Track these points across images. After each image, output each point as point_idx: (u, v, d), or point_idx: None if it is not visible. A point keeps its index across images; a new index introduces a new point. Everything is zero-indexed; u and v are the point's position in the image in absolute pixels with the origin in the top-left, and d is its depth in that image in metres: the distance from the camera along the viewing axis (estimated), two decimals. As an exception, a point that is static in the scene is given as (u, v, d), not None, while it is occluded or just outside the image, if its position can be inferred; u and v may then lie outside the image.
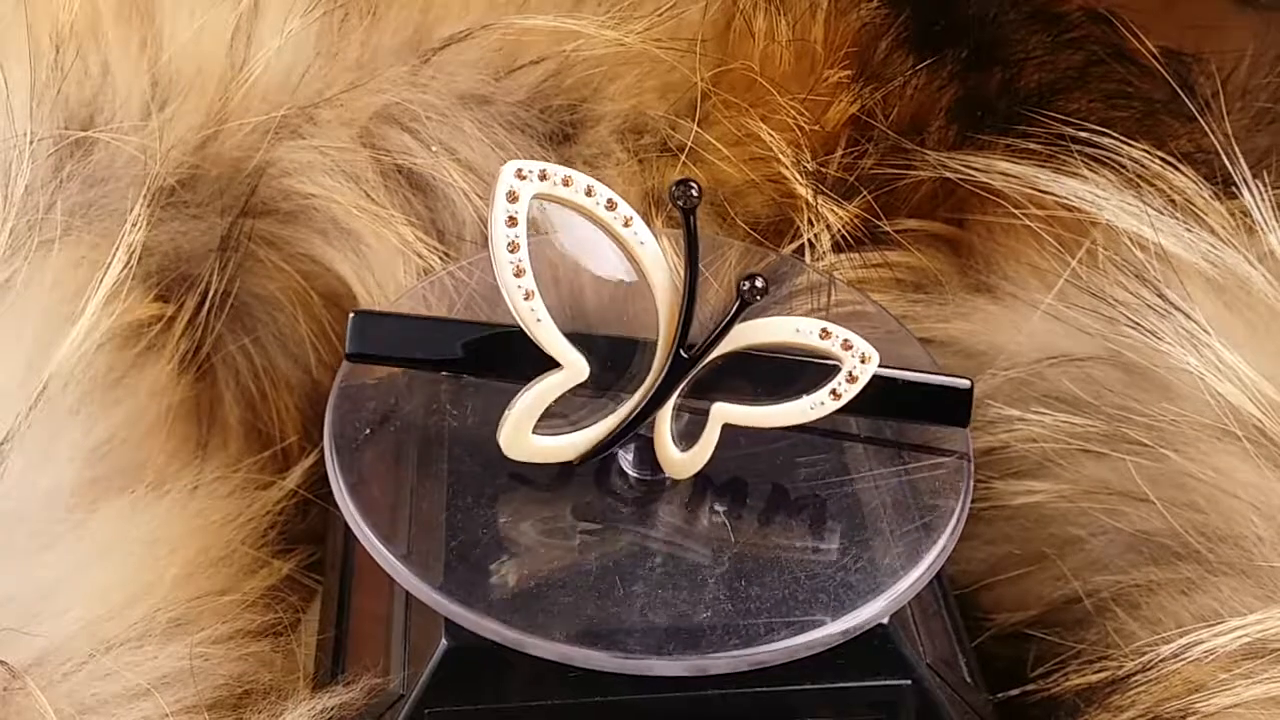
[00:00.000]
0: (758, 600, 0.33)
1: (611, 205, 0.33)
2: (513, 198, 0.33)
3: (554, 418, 0.35)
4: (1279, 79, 0.46)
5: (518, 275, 0.33)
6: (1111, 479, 0.39)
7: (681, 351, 0.34)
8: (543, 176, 0.33)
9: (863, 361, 0.34)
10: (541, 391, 0.34)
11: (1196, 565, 0.37)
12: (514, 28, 0.43)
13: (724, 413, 0.34)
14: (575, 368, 0.34)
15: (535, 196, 0.33)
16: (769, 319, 0.34)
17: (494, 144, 0.44)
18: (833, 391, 0.34)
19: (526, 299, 0.34)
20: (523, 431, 0.34)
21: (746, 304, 0.33)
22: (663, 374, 0.34)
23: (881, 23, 0.46)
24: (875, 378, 0.34)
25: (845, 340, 0.34)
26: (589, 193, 0.33)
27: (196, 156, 0.42)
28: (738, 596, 0.33)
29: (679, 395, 0.34)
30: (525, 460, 0.35)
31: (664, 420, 0.34)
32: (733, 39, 0.45)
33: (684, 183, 0.32)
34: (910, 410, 0.36)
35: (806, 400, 0.34)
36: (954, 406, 0.36)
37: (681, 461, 0.35)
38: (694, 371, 0.34)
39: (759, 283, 0.33)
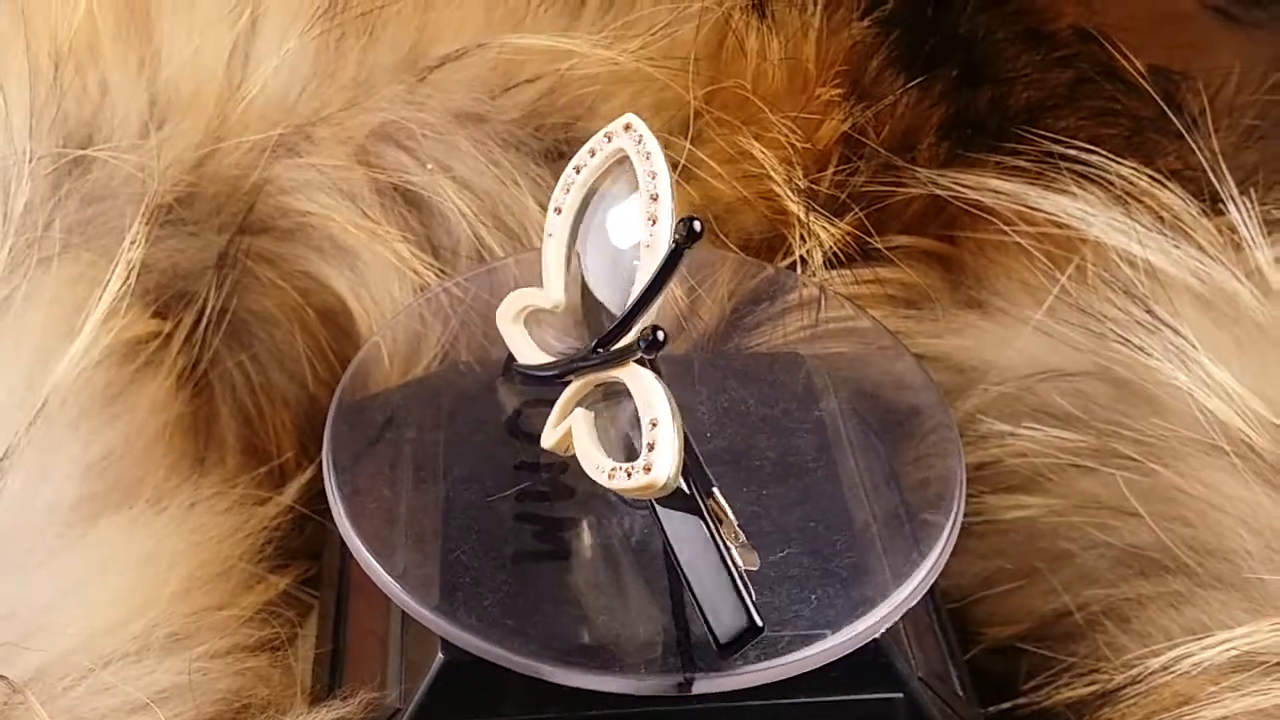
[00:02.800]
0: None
1: (655, 199, 0.34)
2: (608, 138, 0.35)
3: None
4: (1266, 96, 0.47)
5: (564, 190, 0.35)
6: (1101, 493, 0.40)
7: (596, 349, 0.34)
8: (639, 140, 0.34)
9: (645, 471, 0.31)
10: (521, 294, 0.36)
11: (1186, 579, 0.37)
12: (509, 47, 0.44)
13: (575, 419, 0.34)
14: (550, 292, 0.35)
15: (620, 151, 0.34)
16: (651, 378, 0.32)
17: (489, 161, 0.44)
18: (611, 470, 0.32)
19: (555, 211, 0.35)
20: (508, 315, 0.37)
21: (631, 353, 0.32)
22: (570, 358, 0.35)
23: (873, 41, 0.46)
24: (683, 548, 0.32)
25: (652, 443, 0.31)
26: (652, 176, 0.34)
27: (194, 174, 0.42)
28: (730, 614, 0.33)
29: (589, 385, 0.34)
30: (501, 332, 0.37)
31: (566, 395, 0.35)
32: (725, 58, 0.45)
33: (689, 220, 0.32)
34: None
35: (605, 461, 0.33)
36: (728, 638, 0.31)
37: (546, 436, 0.35)
38: (592, 371, 0.34)
39: (659, 336, 0.32)
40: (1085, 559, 0.40)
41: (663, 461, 0.31)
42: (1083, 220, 0.42)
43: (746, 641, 0.31)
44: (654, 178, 0.34)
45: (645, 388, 0.32)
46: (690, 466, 0.33)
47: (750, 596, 0.31)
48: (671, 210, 0.33)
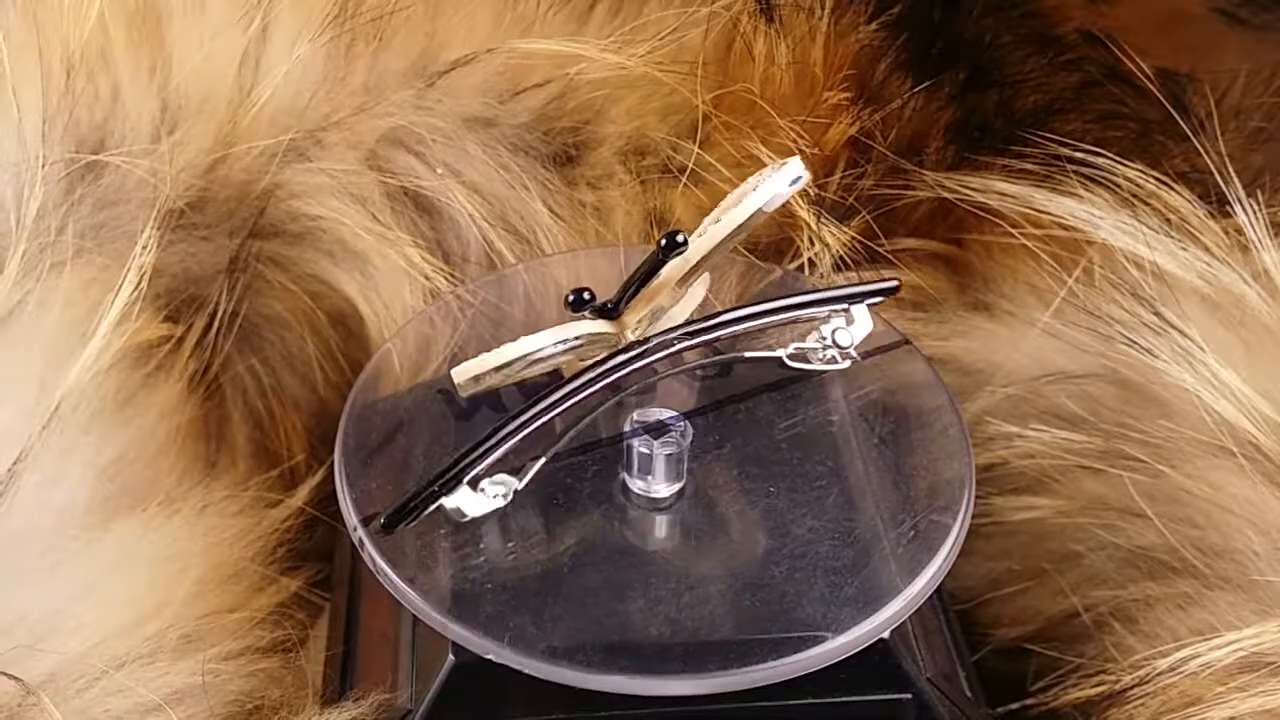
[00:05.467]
0: (759, 617, 0.33)
1: (716, 221, 0.36)
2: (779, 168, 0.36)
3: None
4: (1272, 98, 0.47)
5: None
6: (1109, 495, 0.40)
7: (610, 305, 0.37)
8: (770, 175, 0.36)
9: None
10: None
11: (1193, 580, 0.38)
12: (518, 51, 0.44)
13: None
14: (676, 260, 0.36)
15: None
16: (561, 331, 0.36)
17: (499, 166, 0.44)
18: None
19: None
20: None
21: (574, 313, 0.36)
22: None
23: (880, 45, 0.46)
24: None
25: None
26: (738, 199, 0.36)
27: (205, 179, 0.43)
28: (739, 614, 0.33)
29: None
30: None
31: None
32: (733, 62, 0.46)
33: (672, 232, 0.34)
34: None
35: None
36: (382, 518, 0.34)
37: None
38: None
39: (583, 296, 0.35)
40: (1093, 560, 0.40)
41: (463, 366, 0.36)
42: (1090, 222, 0.42)
43: (380, 527, 0.34)
44: (738, 201, 0.36)
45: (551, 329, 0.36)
46: (532, 430, 0.34)
47: (414, 509, 0.34)
48: (718, 240, 0.35)
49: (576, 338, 0.37)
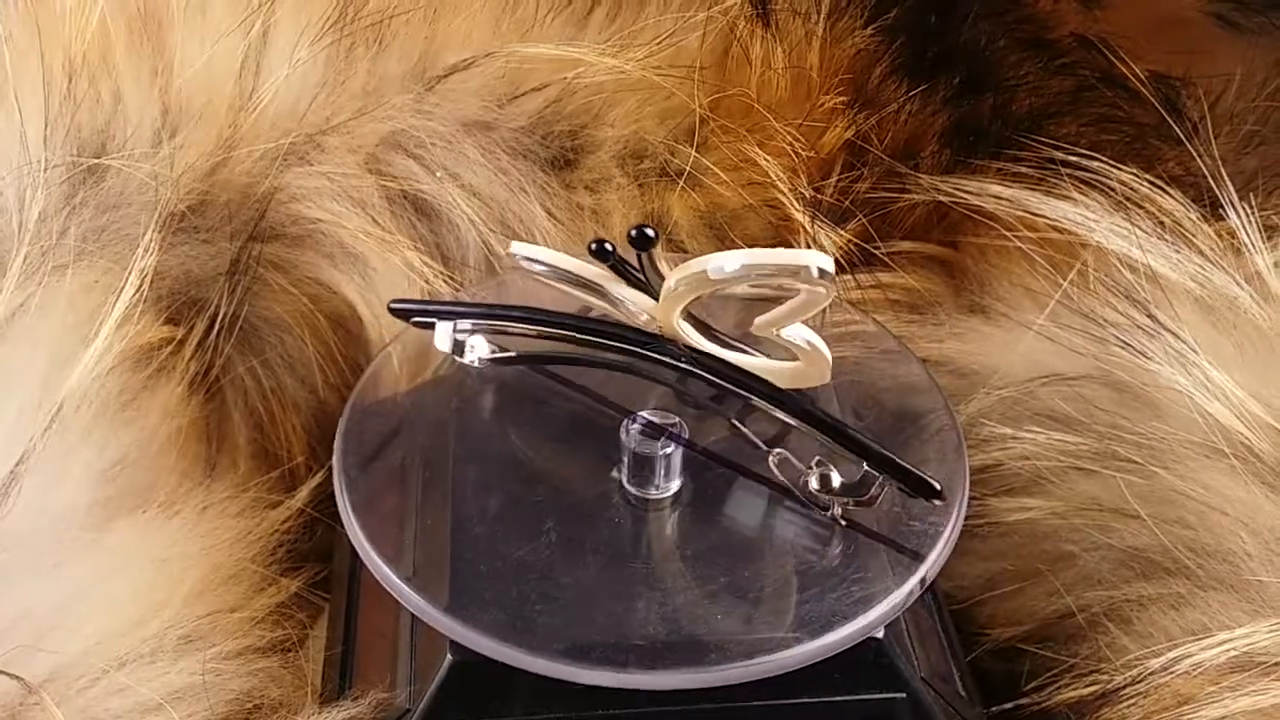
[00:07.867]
0: (753, 615, 0.33)
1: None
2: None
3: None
4: (1266, 102, 0.47)
5: None
6: (1103, 496, 0.40)
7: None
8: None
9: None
10: None
11: (1186, 580, 0.38)
12: (516, 56, 0.44)
13: None
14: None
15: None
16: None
17: (497, 169, 0.44)
18: None
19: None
20: None
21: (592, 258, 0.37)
22: None
23: (876, 50, 0.47)
24: None
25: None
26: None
27: (206, 183, 0.43)
28: (734, 611, 0.33)
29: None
30: None
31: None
32: (730, 66, 0.46)
33: (640, 227, 0.35)
34: None
35: None
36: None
37: None
38: None
39: (607, 245, 0.36)
40: (1087, 561, 0.40)
41: (524, 245, 0.39)
42: (1084, 226, 0.43)
43: (389, 308, 0.40)
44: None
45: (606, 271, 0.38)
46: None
47: (414, 314, 0.40)
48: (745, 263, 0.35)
49: (618, 296, 0.38)
